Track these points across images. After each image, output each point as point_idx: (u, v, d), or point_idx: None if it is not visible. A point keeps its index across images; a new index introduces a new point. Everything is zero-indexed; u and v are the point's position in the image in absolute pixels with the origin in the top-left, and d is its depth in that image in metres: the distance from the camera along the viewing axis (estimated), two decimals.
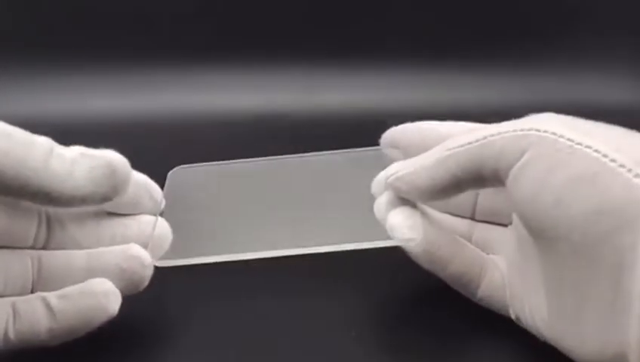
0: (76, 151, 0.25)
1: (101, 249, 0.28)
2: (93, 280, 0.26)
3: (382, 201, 0.29)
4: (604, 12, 0.52)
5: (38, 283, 0.28)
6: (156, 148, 0.45)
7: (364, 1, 0.51)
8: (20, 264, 0.27)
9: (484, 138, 0.25)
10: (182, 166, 0.33)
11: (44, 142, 0.24)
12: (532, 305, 0.27)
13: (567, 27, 0.52)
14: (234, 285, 0.33)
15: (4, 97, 0.51)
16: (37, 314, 0.26)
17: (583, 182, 0.22)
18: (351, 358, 0.29)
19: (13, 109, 0.48)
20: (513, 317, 0.29)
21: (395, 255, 0.29)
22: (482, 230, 0.32)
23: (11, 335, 0.25)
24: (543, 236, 0.24)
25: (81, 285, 0.26)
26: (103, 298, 0.26)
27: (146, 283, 0.28)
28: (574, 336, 0.24)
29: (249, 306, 0.32)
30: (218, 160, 0.34)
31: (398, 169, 0.28)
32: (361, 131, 0.33)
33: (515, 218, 0.29)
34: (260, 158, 0.33)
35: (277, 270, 0.31)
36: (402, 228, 0.27)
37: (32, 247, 0.28)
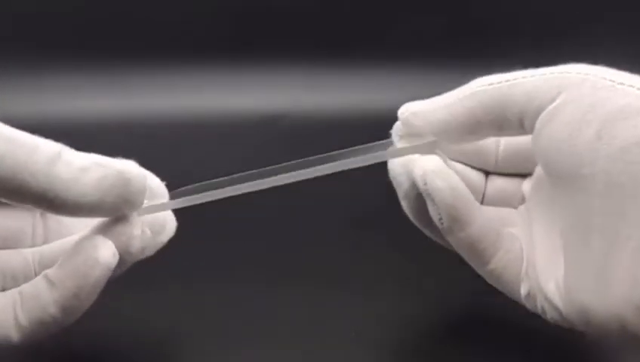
0: (90, 158, 0.24)
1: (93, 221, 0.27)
2: (79, 239, 0.25)
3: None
4: (604, 15, 0.52)
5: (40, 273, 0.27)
6: (156, 148, 0.45)
7: (365, 1, 0.51)
8: (20, 261, 0.27)
9: (514, 79, 0.25)
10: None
11: (51, 146, 0.23)
12: (546, 270, 0.26)
13: (567, 27, 0.52)
14: (229, 288, 0.33)
15: (4, 97, 0.51)
16: (40, 290, 0.25)
17: (626, 115, 0.22)
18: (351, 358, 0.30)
19: (13, 110, 0.48)
20: (523, 293, 0.27)
21: (399, 260, 0.29)
22: (497, 184, 0.30)
23: (23, 320, 0.25)
24: (577, 176, 0.23)
25: (72, 246, 0.25)
26: (92, 249, 0.24)
27: (136, 242, 0.26)
28: (597, 290, 0.23)
29: (248, 312, 0.32)
30: (218, 159, 0.34)
31: (414, 105, 0.27)
32: (361, 131, 0.33)
33: (537, 172, 0.28)
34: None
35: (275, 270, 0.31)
36: (428, 170, 0.26)
37: (32, 246, 0.28)
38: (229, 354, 0.30)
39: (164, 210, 0.28)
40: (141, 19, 0.51)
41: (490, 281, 0.27)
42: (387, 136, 0.29)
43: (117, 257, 0.25)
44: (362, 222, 0.39)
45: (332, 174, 0.27)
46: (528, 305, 0.27)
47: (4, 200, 0.23)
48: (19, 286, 0.26)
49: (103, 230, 0.25)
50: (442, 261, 0.30)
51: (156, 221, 0.27)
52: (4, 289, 0.26)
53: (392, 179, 0.28)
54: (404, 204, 0.28)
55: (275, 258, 0.36)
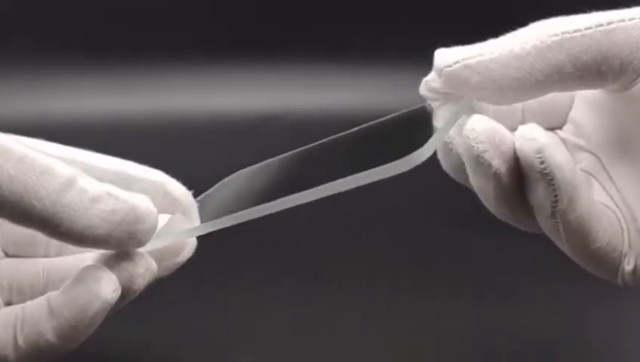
0: (103, 188, 0.22)
1: None
2: (83, 267, 0.24)
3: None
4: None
5: (48, 290, 0.26)
6: (156, 148, 0.45)
7: (365, 1, 0.51)
8: (29, 272, 0.27)
9: (609, 23, 0.20)
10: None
11: (64, 172, 0.22)
12: None
13: None
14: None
15: (4, 97, 0.50)
16: (41, 314, 0.24)
17: None
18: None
19: (13, 110, 0.48)
20: (629, 268, 0.23)
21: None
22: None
23: (20, 341, 0.24)
24: None
25: (77, 273, 0.24)
26: (94, 283, 0.23)
27: (142, 281, 0.25)
28: None
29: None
30: (217, 159, 0.33)
31: (462, 53, 0.21)
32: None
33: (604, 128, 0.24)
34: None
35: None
36: (544, 145, 0.20)
37: (46, 256, 0.27)
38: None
39: (187, 236, 0.26)
40: (141, 20, 0.51)
41: (588, 266, 0.23)
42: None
43: (119, 292, 0.24)
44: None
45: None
46: (634, 283, 0.23)
47: (7, 220, 0.23)
48: (24, 301, 0.25)
49: (108, 261, 0.24)
50: None
51: (176, 242, 0.26)
52: (9, 303, 0.26)
53: (463, 155, 0.22)
54: (486, 188, 0.22)
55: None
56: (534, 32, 0.21)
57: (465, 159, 0.22)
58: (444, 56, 0.22)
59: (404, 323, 0.32)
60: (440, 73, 0.22)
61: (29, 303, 0.25)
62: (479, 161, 0.21)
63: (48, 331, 0.24)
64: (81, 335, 0.24)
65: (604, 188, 0.24)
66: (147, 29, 0.51)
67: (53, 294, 0.24)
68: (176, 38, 0.52)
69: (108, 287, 0.23)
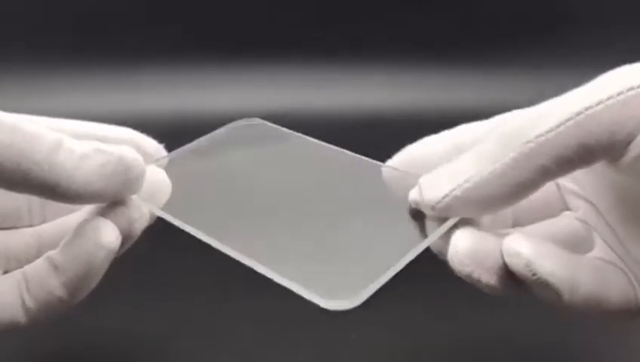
0: (90, 146, 0.24)
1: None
2: (82, 220, 0.25)
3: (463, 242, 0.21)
4: (605, 14, 0.52)
5: (42, 254, 0.27)
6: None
7: (366, 1, 0.52)
8: (20, 241, 0.27)
9: (580, 113, 0.20)
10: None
11: (52, 135, 0.23)
12: None
13: (569, 29, 0.52)
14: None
15: (4, 97, 0.51)
16: (45, 273, 0.25)
17: None
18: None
19: (13, 110, 0.48)
20: None
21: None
22: None
23: (30, 303, 0.25)
24: None
25: (75, 229, 0.25)
26: (94, 232, 0.24)
27: (139, 225, 0.26)
28: None
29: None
30: None
31: (449, 187, 0.21)
32: (362, 131, 0.33)
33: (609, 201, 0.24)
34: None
35: None
36: (530, 258, 0.21)
37: (30, 225, 0.28)
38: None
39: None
40: (142, 20, 0.51)
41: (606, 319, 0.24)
42: (386, 133, 0.28)
43: (120, 239, 0.25)
44: None
45: None
46: None
47: (5, 189, 0.23)
48: (21, 267, 0.26)
49: (104, 212, 0.25)
50: None
51: (150, 186, 0.27)
52: (6, 271, 0.26)
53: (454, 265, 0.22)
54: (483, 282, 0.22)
55: None
56: (507, 140, 0.21)
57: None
58: (431, 191, 0.22)
59: (398, 326, 0.32)
60: (432, 209, 0.22)
61: (27, 267, 0.25)
62: (469, 279, 0.21)
63: (57, 287, 0.25)
64: (89, 285, 0.25)
65: (602, 236, 0.24)
66: (147, 29, 0.51)
67: (52, 253, 0.25)
68: (175, 39, 0.52)
69: (109, 235, 0.24)
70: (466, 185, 0.21)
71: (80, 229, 0.25)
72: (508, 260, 0.21)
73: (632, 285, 0.23)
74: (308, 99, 0.51)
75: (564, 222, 0.25)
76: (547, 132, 0.20)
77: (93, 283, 0.25)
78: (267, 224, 0.25)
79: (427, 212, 0.22)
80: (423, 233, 0.22)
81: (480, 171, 0.21)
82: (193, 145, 0.30)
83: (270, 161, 0.30)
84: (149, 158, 0.29)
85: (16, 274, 0.26)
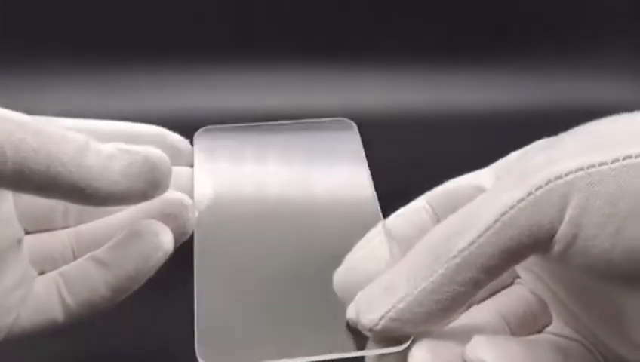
0: (114, 146, 0.24)
1: (138, 206, 0.27)
2: (137, 222, 0.26)
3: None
4: (605, 15, 0.52)
5: (79, 255, 0.27)
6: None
7: (366, 1, 0.51)
8: (57, 243, 0.28)
9: (497, 221, 0.20)
10: (207, 127, 0.32)
11: (78, 137, 0.23)
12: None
13: (568, 29, 0.52)
14: None
15: (4, 97, 0.50)
16: (89, 271, 0.25)
17: None
18: None
19: (13, 110, 0.48)
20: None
21: None
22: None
23: (69, 300, 0.25)
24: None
25: (126, 230, 0.26)
26: (153, 235, 0.25)
27: (192, 225, 0.27)
28: None
29: None
30: None
31: (384, 308, 0.21)
32: (363, 131, 0.32)
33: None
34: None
35: None
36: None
37: (65, 226, 0.28)
38: None
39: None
40: (140, 19, 0.51)
41: None
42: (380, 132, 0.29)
43: (173, 241, 0.26)
44: None
45: None
46: None
47: (34, 195, 0.23)
48: (57, 268, 0.26)
49: (161, 213, 0.26)
50: None
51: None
52: (42, 273, 0.26)
53: None
54: None
55: None
56: (436, 253, 0.21)
57: None
58: (367, 313, 0.22)
59: None
60: (370, 333, 0.22)
61: (66, 267, 0.26)
62: None
63: (101, 286, 0.25)
64: (133, 286, 0.25)
65: (555, 308, 0.25)
66: (145, 29, 0.51)
67: (97, 252, 0.26)
68: (175, 39, 0.52)
69: (167, 238, 0.25)
70: (400, 305, 0.21)
71: (137, 230, 0.25)
72: None
73: (595, 357, 0.23)
74: (307, 100, 0.51)
75: (518, 296, 0.25)
76: (470, 244, 0.20)
77: (137, 285, 0.26)
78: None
79: (365, 333, 0.22)
80: (360, 342, 0.23)
81: (411, 290, 0.21)
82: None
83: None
84: (177, 154, 0.29)
85: (54, 274, 0.26)
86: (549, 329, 0.25)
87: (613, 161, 0.19)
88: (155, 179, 0.24)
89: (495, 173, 0.26)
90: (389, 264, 0.24)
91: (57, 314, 0.25)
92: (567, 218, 0.20)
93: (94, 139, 0.24)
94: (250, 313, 0.25)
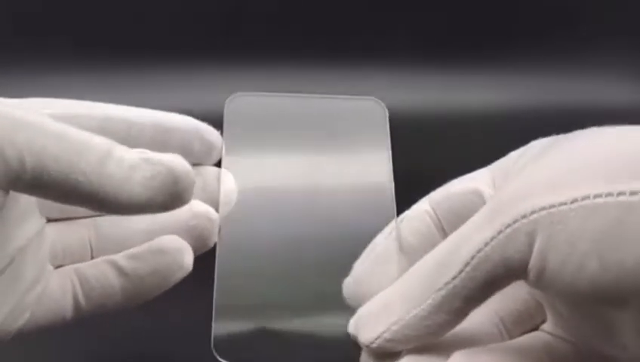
0: (138, 155, 0.23)
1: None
2: (162, 237, 0.26)
3: None
4: (605, 15, 0.52)
5: (97, 250, 0.27)
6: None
7: (367, 1, 0.51)
8: (74, 233, 0.27)
9: (473, 257, 0.22)
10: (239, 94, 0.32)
11: (101, 143, 0.22)
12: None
13: (569, 29, 0.52)
14: None
15: (4, 97, 0.50)
16: (107, 276, 0.25)
17: (611, 233, 0.20)
18: None
19: None
20: None
21: None
22: None
23: (82, 301, 0.25)
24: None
25: (149, 244, 0.26)
26: (177, 254, 0.26)
27: (215, 238, 0.27)
28: None
29: None
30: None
31: (380, 329, 0.24)
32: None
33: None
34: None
35: None
36: None
37: (88, 216, 0.28)
38: None
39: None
40: (138, 19, 0.51)
41: None
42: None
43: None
44: None
45: None
46: None
47: (53, 201, 0.23)
48: (73, 258, 0.27)
49: (186, 224, 0.27)
50: None
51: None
52: (59, 266, 0.26)
53: None
54: None
55: None
56: (427, 281, 0.23)
57: None
58: (365, 331, 0.24)
59: None
60: (366, 349, 0.24)
61: (85, 265, 0.26)
62: None
63: (118, 293, 0.25)
64: (150, 297, 0.26)
65: (547, 309, 0.26)
66: (144, 29, 0.51)
67: (119, 258, 0.26)
68: (173, 39, 0.52)
69: (189, 257, 0.26)
70: (394, 327, 0.23)
71: (160, 247, 0.26)
72: None
73: (586, 359, 0.25)
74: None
75: (514, 295, 0.27)
76: (453, 279, 0.22)
77: (153, 297, 0.26)
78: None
79: (364, 348, 0.24)
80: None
81: (404, 315, 0.23)
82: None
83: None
84: (210, 149, 0.29)
85: (69, 270, 0.26)
86: (544, 326, 0.26)
87: (572, 201, 0.20)
88: (177, 193, 0.23)
89: (493, 173, 0.27)
90: (394, 275, 0.26)
91: (68, 311, 0.25)
92: (534, 253, 0.21)
93: (120, 145, 0.23)
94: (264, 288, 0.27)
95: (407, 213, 0.28)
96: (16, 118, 0.21)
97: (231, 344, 0.25)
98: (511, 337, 0.26)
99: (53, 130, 0.22)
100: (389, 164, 0.30)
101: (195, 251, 0.27)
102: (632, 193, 0.19)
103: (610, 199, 0.20)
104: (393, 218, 0.28)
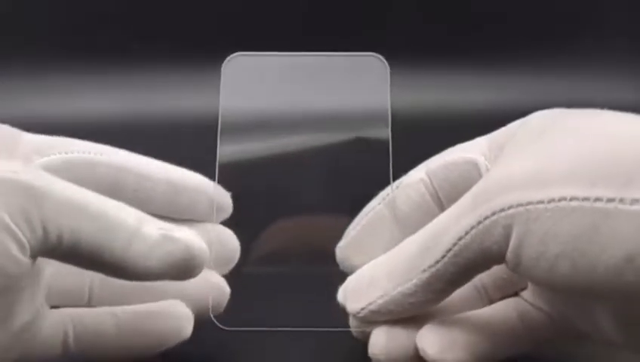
0: (161, 232, 0.24)
1: None
2: (165, 302, 0.27)
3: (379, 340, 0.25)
4: (605, 15, 0.52)
5: (97, 297, 0.28)
6: (154, 148, 0.45)
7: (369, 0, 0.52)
8: (76, 276, 0.28)
9: (455, 244, 0.23)
10: (238, 53, 0.32)
11: (132, 222, 0.24)
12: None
13: (570, 30, 0.52)
14: None
15: (4, 97, 0.51)
16: (104, 327, 0.26)
17: (585, 237, 0.20)
18: None
19: (13, 110, 0.49)
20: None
21: None
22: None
23: (72, 343, 0.25)
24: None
25: (152, 305, 0.26)
26: (179, 321, 0.26)
27: (223, 306, 0.28)
28: None
29: None
30: (210, 160, 0.33)
31: (367, 300, 0.25)
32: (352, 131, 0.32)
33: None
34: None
35: None
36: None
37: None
38: None
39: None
40: (138, 19, 0.51)
41: None
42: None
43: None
44: None
45: None
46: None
47: (74, 266, 0.24)
48: (70, 305, 0.27)
49: (196, 290, 0.27)
50: None
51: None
52: (54, 306, 0.26)
53: None
54: None
55: None
56: (413, 262, 0.24)
57: None
58: (352, 301, 0.25)
59: None
60: (354, 317, 0.26)
61: (80, 314, 0.26)
62: None
63: (111, 348, 0.26)
64: (141, 357, 0.26)
65: (533, 287, 0.27)
66: (142, 29, 0.51)
67: (119, 312, 0.26)
68: (170, 38, 0.52)
69: (189, 327, 0.26)
70: (379, 301, 0.24)
71: (161, 309, 0.26)
72: (422, 354, 0.24)
73: (558, 330, 0.25)
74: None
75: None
76: (436, 262, 0.23)
77: (143, 357, 0.26)
78: None
79: (351, 315, 0.26)
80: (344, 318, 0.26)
81: (390, 291, 0.24)
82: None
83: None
84: (218, 209, 0.30)
85: (65, 316, 0.26)
86: (524, 294, 0.27)
87: (549, 201, 0.21)
88: (189, 269, 0.24)
89: (490, 144, 0.27)
90: (385, 243, 0.27)
91: (57, 350, 0.25)
92: (510, 247, 0.22)
93: (149, 220, 0.24)
94: None
95: (403, 179, 0.28)
96: (61, 198, 0.22)
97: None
98: (491, 302, 0.27)
99: (92, 210, 0.23)
100: (387, 126, 0.30)
101: (196, 317, 0.27)
102: (609, 200, 0.19)
103: (586, 204, 0.20)
104: (388, 183, 0.28)
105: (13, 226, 0.21)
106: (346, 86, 0.31)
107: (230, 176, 0.30)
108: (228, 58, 0.31)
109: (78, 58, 0.52)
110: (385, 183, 0.29)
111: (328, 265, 0.29)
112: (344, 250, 0.29)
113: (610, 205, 0.19)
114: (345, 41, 0.52)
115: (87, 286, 0.28)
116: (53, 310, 0.26)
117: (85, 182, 0.24)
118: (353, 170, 0.29)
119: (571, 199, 0.20)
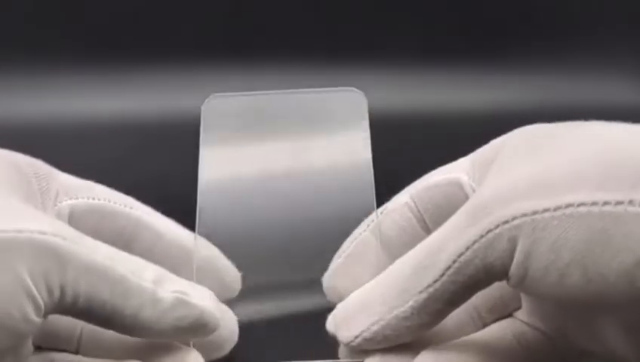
0: (176, 296, 0.23)
1: None
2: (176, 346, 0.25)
3: None
4: (605, 14, 0.52)
5: (85, 343, 0.27)
6: (147, 148, 0.45)
7: (368, 0, 0.51)
8: (67, 323, 0.26)
9: (455, 261, 0.22)
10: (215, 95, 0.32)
11: (148, 287, 0.23)
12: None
13: (570, 29, 0.52)
14: None
15: (4, 97, 0.51)
16: None
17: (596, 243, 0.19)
18: None
19: (13, 110, 0.49)
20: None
21: None
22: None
23: None
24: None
25: (159, 351, 0.25)
26: None
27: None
28: None
29: None
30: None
31: (360, 328, 0.24)
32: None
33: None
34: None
35: None
36: None
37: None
38: None
39: None
40: (136, 18, 0.51)
41: None
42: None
43: None
44: None
45: None
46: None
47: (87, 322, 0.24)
48: (55, 348, 0.26)
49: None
50: None
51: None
52: (39, 348, 0.26)
53: None
54: None
55: None
56: (408, 284, 0.23)
57: None
58: (344, 330, 0.24)
59: None
60: (345, 346, 0.24)
61: (75, 358, 0.26)
62: None
63: None
64: None
65: (528, 305, 0.26)
66: (141, 28, 0.51)
67: None
68: (170, 38, 0.52)
69: None
70: (374, 327, 0.23)
71: (171, 355, 0.25)
72: None
73: (556, 349, 0.24)
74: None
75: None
76: (434, 281, 0.22)
77: None
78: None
79: (342, 345, 0.25)
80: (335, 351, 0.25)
81: (385, 315, 0.23)
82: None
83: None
84: (223, 282, 0.29)
85: (48, 358, 0.25)
86: (518, 314, 0.26)
87: (556, 209, 0.20)
88: (199, 335, 0.24)
89: (474, 163, 0.27)
90: (372, 269, 0.26)
91: None
92: (515, 260, 0.21)
93: (165, 281, 0.24)
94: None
95: (387, 206, 0.28)
96: (85, 262, 0.22)
97: None
98: (484, 325, 0.26)
99: (113, 274, 0.23)
100: (368, 154, 0.30)
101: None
102: (618, 203, 0.19)
103: (594, 209, 0.19)
104: (373, 210, 0.28)
105: (32, 288, 0.21)
106: (325, 120, 0.31)
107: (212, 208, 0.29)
108: (207, 99, 0.32)
109: (76, 58, 0.52)
110: (369, 210, 0.28)
111: (315, 295, 0.28)
112: (330, 279, 0.28)
113: (620, 208, 0.19)
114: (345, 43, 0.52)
115: (78, 331, 0.27)
116: (37, 355, 0.25)
117: (105, 231, 0.25)
118: (336, 199, 0.29)
119: (579, 205, 0.20)
